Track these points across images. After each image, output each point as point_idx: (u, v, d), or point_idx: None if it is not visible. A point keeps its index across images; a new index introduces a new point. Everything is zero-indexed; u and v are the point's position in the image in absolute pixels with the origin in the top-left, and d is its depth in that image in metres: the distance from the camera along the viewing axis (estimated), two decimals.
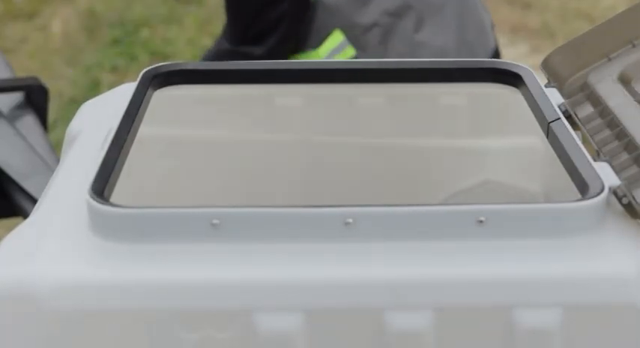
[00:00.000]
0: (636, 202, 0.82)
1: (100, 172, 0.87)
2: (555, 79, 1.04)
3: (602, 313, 0.80)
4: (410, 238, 0.81)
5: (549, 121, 0.96)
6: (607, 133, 0.93)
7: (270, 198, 1.18)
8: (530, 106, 1.02)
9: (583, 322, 0.80)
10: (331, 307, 0.79)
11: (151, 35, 4.13)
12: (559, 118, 0.96)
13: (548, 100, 1.00)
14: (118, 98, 1.05)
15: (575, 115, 0.98)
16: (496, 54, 2.05)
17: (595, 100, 0.98)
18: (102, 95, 1.15)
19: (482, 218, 0.81)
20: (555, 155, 0.93)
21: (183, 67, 1.10)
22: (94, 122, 1.05)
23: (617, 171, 0.87)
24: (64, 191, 0.91)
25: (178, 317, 0.79)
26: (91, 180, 0.85)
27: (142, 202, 0.86)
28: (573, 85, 1.02)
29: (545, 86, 1.04)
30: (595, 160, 0.88)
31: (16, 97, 1.66)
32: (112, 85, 2.28)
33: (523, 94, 1.05)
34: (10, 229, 0.88)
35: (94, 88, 3.64)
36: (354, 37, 1.90)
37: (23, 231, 0.86)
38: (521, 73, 1.06)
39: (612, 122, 0.93)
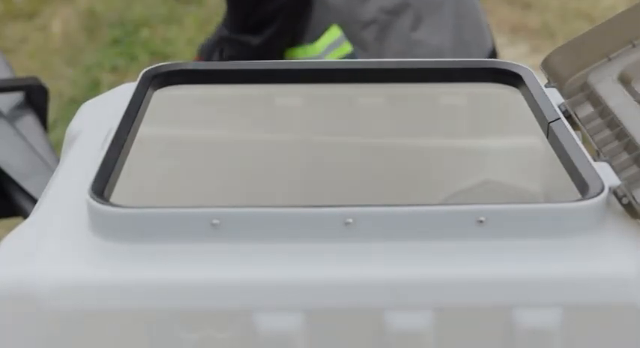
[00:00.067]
0: (636, 202, 0.82)
1: (100, 172, 0.87)
2: (555, 79, 1.04)
3: (602, 313, 0.80)
4: (410, 238, 0.81)
5: (549, 121, 0.96)
6: (607, 133, 0.93)
7: (270, 198, 1.18)
8: (530, 106, 1.02)
9: (583, 322, 0.80)
10: (331, 307, 0.79)
11: (151, 35, 4.14)
12: (559, 118, 0.96)
13: (548, 100, 1.00)
14: (118, 98, 1.05)
15: (575, 115, 0.98)
16: (493, 54, 2.05)
17: (595, 100, 0.98)
18: (102, 95, 1.15)
19: (482, 218, 0.81)
20: (555, 155, 0.93)
21: (183, 67, 1.10)
22: (94, 122, 1.05)
23: (617, 171, 0.87)
24: (64, 191, 0.91)
25: (178, 317, 0.79)
26: (91, 180, 0.85)
27: (142, 202, 0.86)
28: (573, 85, 1.02)
29: (545, 86, 1.04)
30: (595, 160, 0.88)
31: (16, 97, 1.66)
32: (112, 85, 2.28)
33: (523, 94, 1.05)
34: (10, 229, 0.88)
35: (94, 88, 3.64)
36: (352, 34, 1.91)
37: (23, 231, 0.86)
38: (521, 73, 1.06)
39: (612, 122, 0.93)
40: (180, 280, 0.80)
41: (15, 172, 1.49)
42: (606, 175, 0.86)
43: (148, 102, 1.03)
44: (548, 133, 0.96)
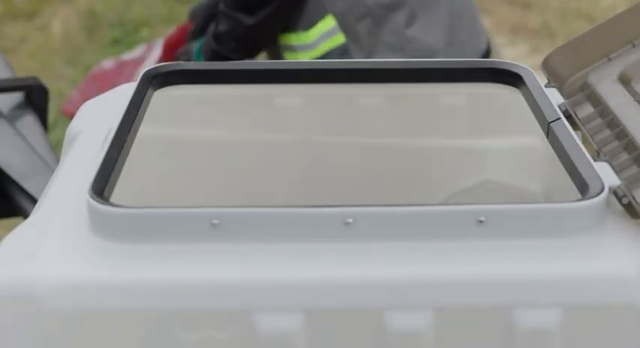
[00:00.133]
0: (636, 202, 0.82)
1: (100, 172, 0.87)
2: (555, 79, 1.04)
3: (602, 313, 0.80)
4: (410, 238, 0.81)
5: (549, 121, 0.96)
6: (607, 133, 0.93)
7: (270, 198, 1.18)
8: (530, 106, 1.02)
9: (583, 322, 0.80)
10: (331, 307, 0.79)
11: (151, 35, 4.13)
12: (559, 118, 0.96)
13: (548, 100, 1.00)
14: (118, 98, 1.05)
15: (575, 115, 0.98)
16: (487, 55, 2.05)
17: (595, 100, 0.98)
18: (102, 95, 1.15)
19: (482, 218, 0.81)
20: (555, 155, 0.93)
21: (183, 67, 1.10)
22: (94, 122, 1.05)
23: (617, 171, 0.87)
24: (64, 191, 0.91)
25: (178, 317, 0.79)
26: (91, 180, 0.85)
27: (142, 202, 0.86)
28: (573, 85, 1.02)
29: (545, 86, 1.04)
30: (595, 160, 0.88)
31: (16, 97, 1.66)
32: None
33: (523, 94, 1.05)
34: (10, 229, 0.88)
35: None
36: (346, 25, 1.91)
37: (23, 231, 0.86)
38: (521, 73, 1.06)
39: (612, 122, 0.93)
40: (180, 280, 0.80)
41: (15, 172, 1.49)
42: (606, 175, 0.86)
43: (148, 102, 1.03)
44: (548, 133, 0.96)
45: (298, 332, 0.79)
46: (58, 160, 1.36)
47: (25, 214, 1.45)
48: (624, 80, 0.99)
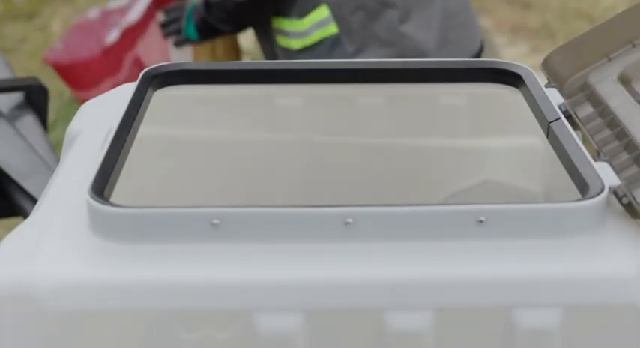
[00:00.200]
0: (636, 202, 0.82)
1: (100, 172, 0.87)
2: (555, 79, 1.04)
3: (602, 313, 0.80)
4: (410, 238, 0.81)
5: (549, 121, 0.96)
6: (607, 133, 0.93)
7: (270, 198, 1.18)
8: (530, 106, 1.02)
9: (583, 322, 0.80)
10: (331, 307, 0.79)
11: None
12: (559, 118, 0.96)
13: (548, 100, 1.00)
14: (118, 98, 1.05)
15: (575, 115, 0.98)
16: (478, 56, 2.05)
17: (595, 100, 0.98)
18: (102, 95, 1.15)
19: (482, 218, 0.81)
20: (555, 155, 0.93)
21: (183, 67, 1.10)
22: (94, 122, 1.05)
23: (617, 171, 0.87)
24: (64, 191, 0.91)
25: (178, 317, 0.79)
26: (91, 180, 0.85)
27: (142, 202, 0.86)
28: (573, 85, 1.02)
29: (545, 86, 1.04)
30: (595, 160, 0.88)
31: (16, 97, 1.66)
32: None
33: (523, 94, 1.05)
34: (10, 229, 0.88)
35: None
36: (339, 16, 1.91)
37: (23, 231, 0.86)
38: (521, 73, 1.06)
39: (612, 122, 0.93)
40: (180, 280, 0.80)
41: (15, 172, 1.49)
42: (606, 175, 0.86)
43: (148, 102, 1.03)
44: (548, 133, 0.96)
45: (298, 332, 0.79)
46: (58, 160, 1.36)
47: (25, 214, 1.45)
48: (624, 80, 0.99)
